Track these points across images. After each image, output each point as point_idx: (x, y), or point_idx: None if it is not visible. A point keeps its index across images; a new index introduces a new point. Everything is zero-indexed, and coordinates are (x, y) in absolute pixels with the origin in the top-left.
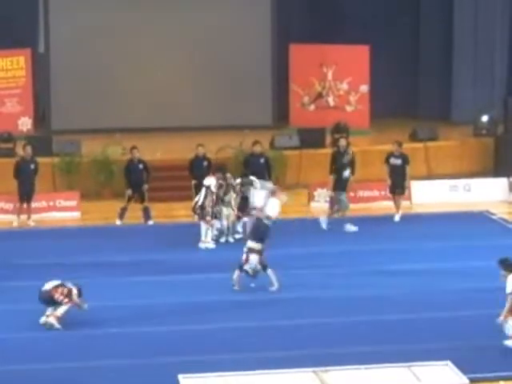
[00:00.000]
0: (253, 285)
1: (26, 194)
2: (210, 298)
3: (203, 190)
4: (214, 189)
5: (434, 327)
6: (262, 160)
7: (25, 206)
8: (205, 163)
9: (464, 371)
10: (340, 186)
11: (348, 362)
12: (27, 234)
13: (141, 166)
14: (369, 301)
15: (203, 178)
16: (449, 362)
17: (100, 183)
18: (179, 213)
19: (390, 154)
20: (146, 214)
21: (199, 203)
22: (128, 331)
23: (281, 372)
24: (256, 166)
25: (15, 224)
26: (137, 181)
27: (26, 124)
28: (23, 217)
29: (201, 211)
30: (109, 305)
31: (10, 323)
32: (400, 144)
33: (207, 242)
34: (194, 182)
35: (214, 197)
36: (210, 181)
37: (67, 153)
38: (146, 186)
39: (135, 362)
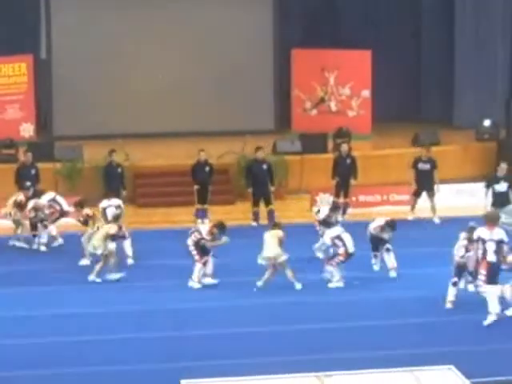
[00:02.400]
0: (255, 289)
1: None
2: (211, 304)
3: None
4: (206, 236)
5: (437, 332)
6: (264, 166)
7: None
8: (207, 168)
9: (467, 375)
10: (498, 201)
11: (350, 366)
12: (30, 239)
13: (119, 169)
14: (372, 305)
15: (206, 183)
16: (452, 367)
17: (102, 189)
18: (180, 218)
19: (418, 159)
20: None
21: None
22: (129, 337)
23: (283, 377)
24: (259, 173)
25: (19, 231)
26: (114, 184)
27: (27, 130)
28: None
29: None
30: (109, 311)
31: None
32: (428, 148)
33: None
34: (196, 187)
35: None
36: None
37: (69, 158)
38: (124, 192)
39: (137, 368)
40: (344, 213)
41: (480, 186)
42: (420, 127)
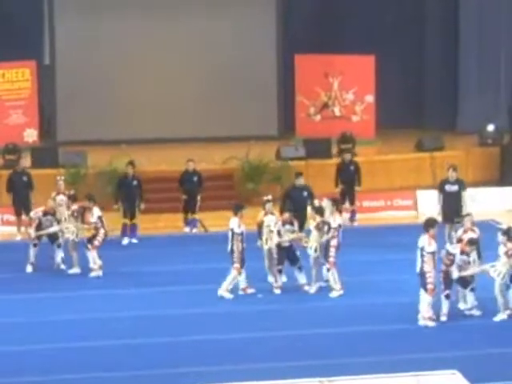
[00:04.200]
0: (260, 295)
1: (21, 207)
2: (213, 309)
3: (229, 233)
4: (238, 230)
5: (441, 336)
6: (305, 193)
7: (23, 218)
8: (195, 178)
9: (471, 380)
10: None
11: (354, 371)
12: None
13: (135, 182)
14: (375, 310)
15: (194, 192)
16: (456, 371)
17: (106, 195)
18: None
19: (445, 181)
20: (133, 231)
21: (228, 248)
22: (131, 343)
23: (286, 382)
24: (299, 199)
25: (18, 238)
26: (129, 197)
27: (31, 135)
28: (24, 229)
29: (230, 256)
30: (114, 316)
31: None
32: (455, 169)
33: (225, 291)
34: (184, 197)
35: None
36: (233, 222)
37: (73, 164)
38: (142, 205)
39: (139, 374)
40: (352, 220)
41: (482, 191)
42: (424, 132)
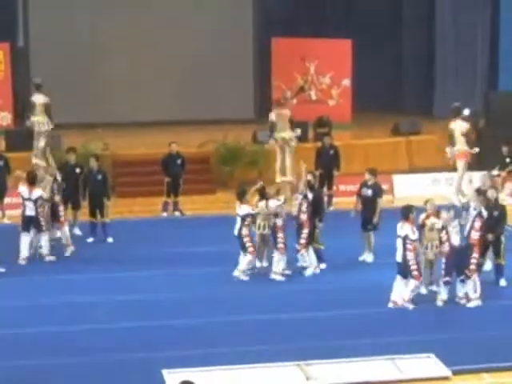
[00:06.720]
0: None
1: None
2: (194, 293)
3: (237, 220)
4: (243, 214)
5: (417, 320)
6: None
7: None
8: (178, 161)
9: (447, 363)
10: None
11: (331, 355)
12: (4, 230)
13: (99, 176)
14: (351, 294)
15: (178, 176)
16: (432, 355)
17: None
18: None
19: (363, 183)
20: (104, 230)
21: (235, 232)
22: (110, 327)
23: (264, 366)
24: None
25: None
26: (94, 192)
27: (5, 119)
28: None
29: (239, 240)
30: (93, 300)
31: None
32: (371, 172)
33: (241, 272)
34: (167, 179)
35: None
36: (239, 208)
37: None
38: (107, 202)
39: (120, 357)
40: (329, 204)
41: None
42: (400, 117)
